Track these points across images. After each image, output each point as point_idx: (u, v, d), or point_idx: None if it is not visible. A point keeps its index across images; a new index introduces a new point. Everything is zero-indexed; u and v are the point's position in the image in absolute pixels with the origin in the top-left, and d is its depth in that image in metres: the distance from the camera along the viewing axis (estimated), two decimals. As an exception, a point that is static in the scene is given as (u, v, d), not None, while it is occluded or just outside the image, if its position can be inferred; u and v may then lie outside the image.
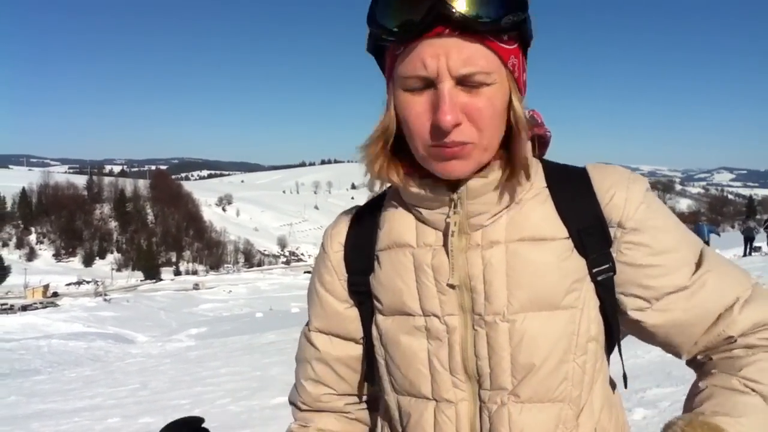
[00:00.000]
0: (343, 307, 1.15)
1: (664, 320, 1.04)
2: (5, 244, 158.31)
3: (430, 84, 0.92)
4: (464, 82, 0.92)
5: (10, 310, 67.41)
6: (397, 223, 1.09)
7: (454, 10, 0.87)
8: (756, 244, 25.47)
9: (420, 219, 1.07)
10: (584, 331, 1.01)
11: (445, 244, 1.03)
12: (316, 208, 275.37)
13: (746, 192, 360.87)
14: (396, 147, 1.03)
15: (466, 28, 0.89)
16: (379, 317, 1.10)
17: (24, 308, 68.95)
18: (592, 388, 1.04)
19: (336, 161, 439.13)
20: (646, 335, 1.07)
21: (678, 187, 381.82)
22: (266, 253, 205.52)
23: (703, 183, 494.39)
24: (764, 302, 1.04)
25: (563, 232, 1.02)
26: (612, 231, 1.02)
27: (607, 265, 1.02)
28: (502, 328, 1.00)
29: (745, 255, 24.35)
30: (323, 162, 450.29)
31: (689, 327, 1.04)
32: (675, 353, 1.09)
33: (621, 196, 1.02)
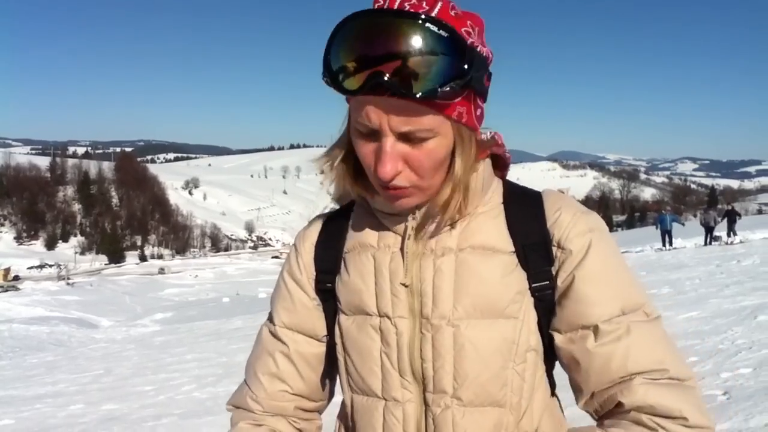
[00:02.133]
0: (311, 304, 1.21)
1: (568, 352, 1.05)
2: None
3: (377, 133, 0.97)
4: (405, 138, 0.97)
5: (-30, 293, 66.00)
6: (362, 226, 1.16)
7: (389, 83, 0.90)
8: (716, 233, 25.93)
9: (382, 223, 1.14)
10: (524, 340, 1.06)
11: (402, 247, 1.10)
12: (285, 192, 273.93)
13: (709, 182, 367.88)
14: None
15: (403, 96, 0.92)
16: (342, 317, 1.15)
17: (-16, 292, 67.59)
18: (532, 396, 1.08)
19: (305, 146, 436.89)
20: (556, 353, 1.09)
21: (643, 176, 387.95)
22: (233, 237, 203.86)
23: (667, 172, 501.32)
24: (680, 396, 0.99)
25: (510, 246, 1.07)
26: (554, 250, 1.07)
27: (546, 282, 1.06)
28: (447, 332, 1.05)
29: (705, 244, 24.84)
30: (292, 146, 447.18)
31: (587, 372, 1.04)
32: (575, 395, 1.09)
33: (565, 218, 1.07)
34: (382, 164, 0.97)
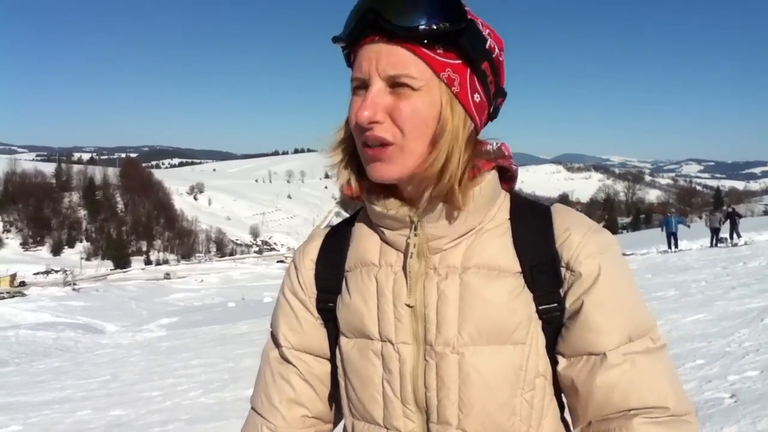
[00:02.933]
0: (317, 323, 1.16)
1: (570, 376, 1.03)
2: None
3: (366, 84, 0.99)
4: (392, 84, 0.97)
5: (-23, 300, 66.21)
6: (363, 242, 1.12)
7: (378, 18, 0.94)
8: (722, 235, 25.84)
9: (384, 239, 1.09)
10: (532, 366, 1.02)
11: (405, 266, 1.05)
12: (289, 197, 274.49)
13: (714, 183, 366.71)
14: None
15: (392, 35, 0.95)
16: (343, 339, 1.11)
17: (-9, 298, 67.80)
18: (541, 423, 1.04)
19: (309, 150, 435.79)
20: (560, 383, 1.06)
21: (647, 178, 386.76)
22: (238, 242, 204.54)
23: (672, 174, 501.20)
24: None
25: (516, 266, 1.03)
26: (563, 271, 1.03)
27: (554, 305, 1.02)
28: (451, 359, 1.00)
29: (711, 246, 24.80)
30: (296, 151, 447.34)
31: (588, 401, 1.01)
32: (572, 421, 1.07)
33: (575, 238, 1.03)
34: (361, 108, 0.96)
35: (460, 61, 0.98)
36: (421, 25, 0.93)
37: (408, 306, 1.04)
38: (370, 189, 1.07)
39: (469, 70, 0.99)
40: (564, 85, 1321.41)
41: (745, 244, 23.20)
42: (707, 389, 4.90)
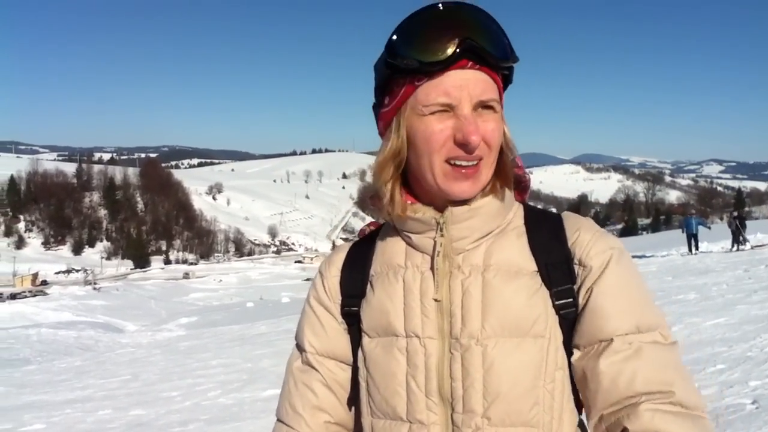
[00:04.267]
0: (341, 329, 1.22)
1: (582, 368, 1.07)
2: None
3: (448, 110, 1.05)
4: (479, 108, 1.06)
5: (-1, 298, 67.10)
6: (389, 248, 1.19)
7: (480, 47, 1.03)
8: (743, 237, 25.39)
9: (410, 244, 1.17)
10: (552, 359, 1.08)
11: (432, 266, 1.13)
12: (307, 197, 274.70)
13: (735, 184, 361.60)
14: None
15: (484, 63, 1.05)
16: (365, 339, 1.16)
17: (13, 297, 68.76)
18: (562, 416, 1.09)
19: (327, 150, 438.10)
20: (575, 380, 1.11)
21: (668, 179, 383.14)
22: (257, 242, 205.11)
23: (693, 175, 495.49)
24: (689, 427, 0.99)
25: (533, 265, 1.11)
26: (576, 268, 1.11)
27: (569, 300, 1.10)
28: (476, 351, 1.07)
29: (732, 249, 24.46)
30: (314, 151, 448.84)
31: (597, 390, 1.05)
32: (587, 420, 1.11)
33: (585, 237, 1.12)
34: (471, 132, 1.03)
35: (502, 85, 1.12)
36: (509, 58, 1.07)
37: (435, 300, 1.11)
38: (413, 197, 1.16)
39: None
40: (583, 85, 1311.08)
41: (751, 248, 22.72)
42: (728, 395, 4.86)
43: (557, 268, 1.11)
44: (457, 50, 1.02)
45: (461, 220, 1.11)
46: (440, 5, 1.05)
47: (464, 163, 1.06)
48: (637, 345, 1.04)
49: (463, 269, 1.12)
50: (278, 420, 1.26)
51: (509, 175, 1.13)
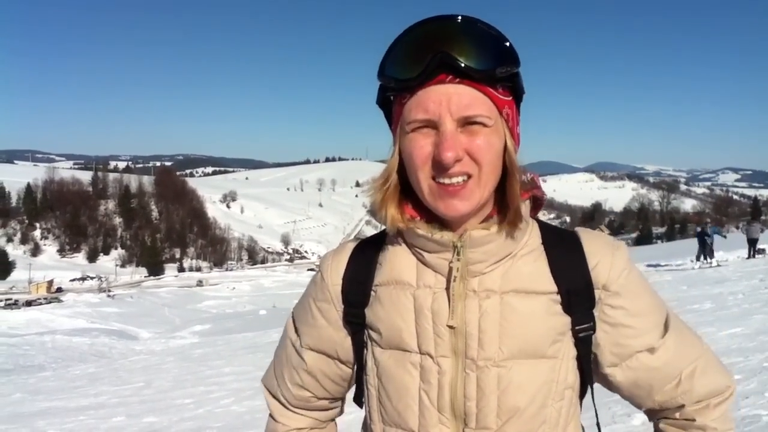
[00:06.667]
0: (337, 335, 1.23)
1: (630, 377, 1.17)
2: (10, 240, 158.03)
3: (433, 127, 1.03)
4: (464, 124, 1.02)
5: (15, 305, 67.54)
6: (398, 262, 1.17)
7: (454, 59, 0.99)
8: (761, 246, 25.08)
9: (421, 261, 1.14)
10: (563, 379, 1.12)
11: (448, 288, 1.11)
12: (321, 205, 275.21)
13: (751, 192, 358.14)
14: (405, 188, 1.14)
15: (464, 76, 1.01)
16: (377, 350, 1.17)
17: (28, 303, 69.13)
18: (566, 431, 1.15)
19: (341, 159, 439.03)
20: (614, 388, 1.21)
21: (683, 188, 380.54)
22: (270, 250, 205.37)
23: (708, 183, 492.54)
24: (714, 372, 1.20)
25: (553, 288, 1.12)
26: (597, 293, 1.13)
27: (589, 324, 1.13)
28: (492, 372, 1.09)
29: (749, 257, 24.20)
30: (328, 159, 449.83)
31: (650, 386, 1.18)
32: (635, 405, 1.24)
33: (607, 262, 1.14)
34: (444, 149, 1.00)
35: (511, 98, 1.07)
36: (497, 68, 1.01)
37: (450, 327, 1.10)
38: (410, 215, 1.15)
39: (515, 106, 1.10)
40: (597, 93, 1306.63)
41: (718, 265, 21.34)
42: (744, 406, 4.80)
43: (579, 294, 1.12)
44: (429, 65, 1.00)
45: (479, 245, 1.09)
46: (425, 20, 1.04)
47: (447, 181, 1.03)
48: (667, 340, 1.17)
49: (479, 293, 1.11)
50: (265, 388, 1.37)
51: (514, 196, 1.08)
